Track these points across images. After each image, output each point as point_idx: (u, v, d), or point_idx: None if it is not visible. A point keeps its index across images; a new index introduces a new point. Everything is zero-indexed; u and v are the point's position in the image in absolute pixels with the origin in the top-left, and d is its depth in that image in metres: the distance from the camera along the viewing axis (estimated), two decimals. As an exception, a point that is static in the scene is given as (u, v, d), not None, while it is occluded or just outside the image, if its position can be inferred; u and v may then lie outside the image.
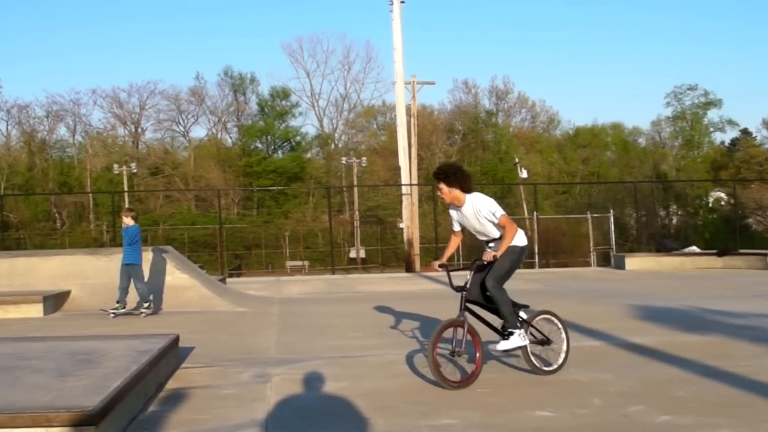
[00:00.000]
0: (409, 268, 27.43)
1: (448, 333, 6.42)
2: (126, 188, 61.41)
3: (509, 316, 6.60)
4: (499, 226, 6.62)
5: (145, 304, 12.42)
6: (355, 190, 59.89)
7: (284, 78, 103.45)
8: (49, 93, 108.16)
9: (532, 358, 6.75)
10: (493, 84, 77.72)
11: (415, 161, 33.59)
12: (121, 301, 12.31)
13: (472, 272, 6.72)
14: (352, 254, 52.72)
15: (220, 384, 6.58)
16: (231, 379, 6.78)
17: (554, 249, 36.26)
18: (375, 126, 77.53)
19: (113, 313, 12.15)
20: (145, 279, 12.76)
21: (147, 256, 13.53)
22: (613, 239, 29.42)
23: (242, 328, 10.64)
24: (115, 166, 63.64)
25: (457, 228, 7.02)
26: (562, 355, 6.94)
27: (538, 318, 6.97)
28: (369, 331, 9.99)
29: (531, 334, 6.80)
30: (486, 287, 6.58)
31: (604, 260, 29.28)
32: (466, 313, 6.51)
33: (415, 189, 30.20)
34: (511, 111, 79.10)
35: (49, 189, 66.27)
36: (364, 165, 62.22)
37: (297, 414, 5.58)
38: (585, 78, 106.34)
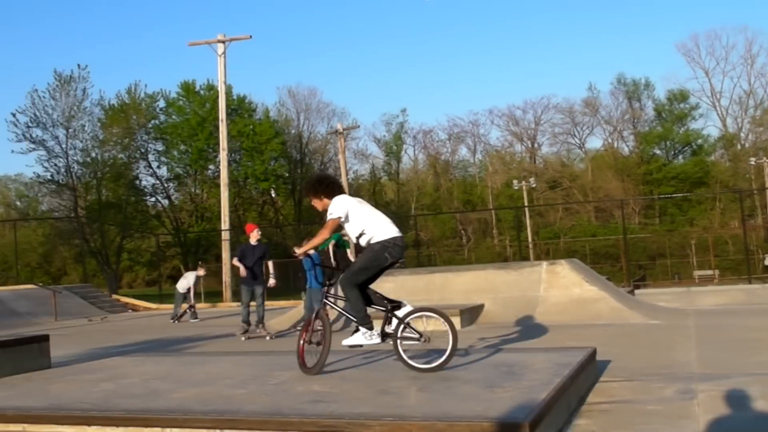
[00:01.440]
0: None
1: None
2: (526, 203, 62.89)
3: (355, 314, 6.80)
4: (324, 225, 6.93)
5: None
6: (768, 192, 55.47)
7: (680, 79, 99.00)
8: (450, 116, 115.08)
9: (402, 355, 6.65)
10: None
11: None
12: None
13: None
14: (767, 262, 48.82)
15: (643, 399, 6.38)
16: (654, 395, 6.55)
17: None
18: (786, 121, 71.33)
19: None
20: None
21: (555, 269, 13.67)
22: None
23: (658, 342, 10.28)
24: (515, 181, 65.52)
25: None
26: (445, 355, 6.51)
27: (413, 316, 6.76)
28: (801, 345, 9.13)
29: (406, 332, 6.65)
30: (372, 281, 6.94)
31: None
32: (326, 306, 7.02)
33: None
34: None
35: (454, 207, 70.05)
36: (775, 165, 57.42)
37: (731, 434, 5.23)
38: None
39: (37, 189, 64.34)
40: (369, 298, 6.96)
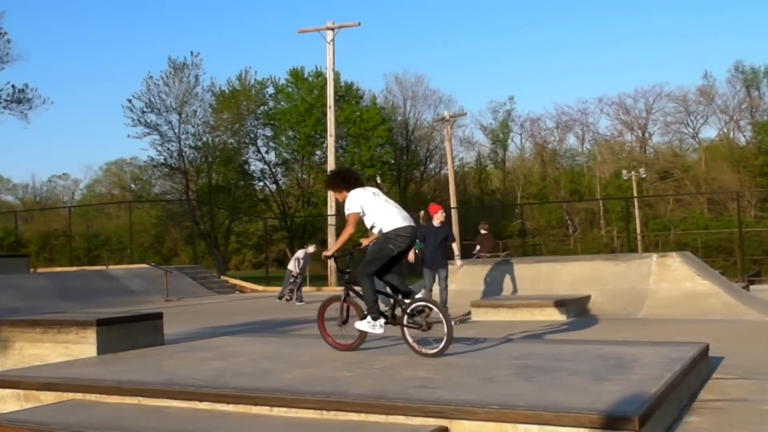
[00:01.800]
0: None
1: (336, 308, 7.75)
2: (635, 193, 61.45)
3: (367, 303, 7.32)
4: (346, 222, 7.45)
5: None
6: None
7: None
8: (558, 105, 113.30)
9: (410, 341, 7.12)
10: None
11: None
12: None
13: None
14: None
15: (759, 398, 6.15)
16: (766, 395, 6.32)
17: None
18: None
19: None
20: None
21: (666, 262, 13.33)
22: None
23: (774, 340, 9.92)
24: (624, 171, 64.06)
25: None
26: (443, 341, 6.87)
27: (413, 306, 7.16)
28: None
29: (408, 321, 7.13)
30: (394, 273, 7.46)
31: None
32: (347, 290, 7.69)
33: None
34: None
35: (560, 197, 69.03)
36: None
37: None
38: None
39: (150, 172, 66.31)
40: (392, 286, 7.51)
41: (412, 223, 7.39)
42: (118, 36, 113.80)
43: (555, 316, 12.74)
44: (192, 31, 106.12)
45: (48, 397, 6.18)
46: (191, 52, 62.48)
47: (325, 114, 39.60)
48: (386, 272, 7.45)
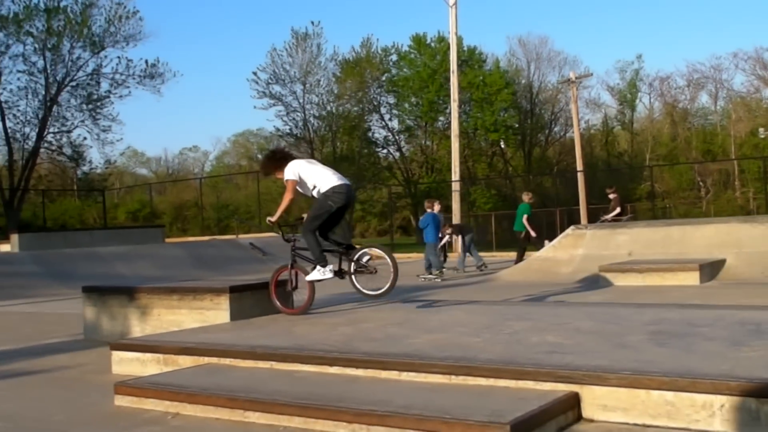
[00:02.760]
0: None
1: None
2: (772, 152, 58.70)
3: (314, 254, 8.03)
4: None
5: (435, 272, 16.97)
6: None
7: None
8: (689, 62, 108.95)
9: (357, 285, 7.95)
10: None
11: None
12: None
13: None
14: None
15: None
16: None
17: None
18: None
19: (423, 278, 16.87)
20: None
21: None
22: None
23: None
24: (761, 129, 61.25)
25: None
26: (389, 281, 7.65)
27: (361, 252, 7.98)
28: None
29: (356, 268, 7.86)
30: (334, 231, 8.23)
31: None
32: (294, 256, 8.32)
33: None
34: None
35: (692, 158, 66.67)
36: None
37: None
38: None
39: (276, 142, 67.75)
40: (336, 242, 8.23)
41: (348, 182, 8.09)
42: (241, 11, 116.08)
43: (687, 280, 12.37)
44: (313, 1, 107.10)
45: (186, 361, 6.44)
46: (312, 22, 63.15)
47: (447, 79, 39.37)
48: (329, 229, 8.16)
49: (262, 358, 6.05)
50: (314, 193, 8.08)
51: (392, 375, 5.33)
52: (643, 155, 69.99)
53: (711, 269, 12.96)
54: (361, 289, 7.95)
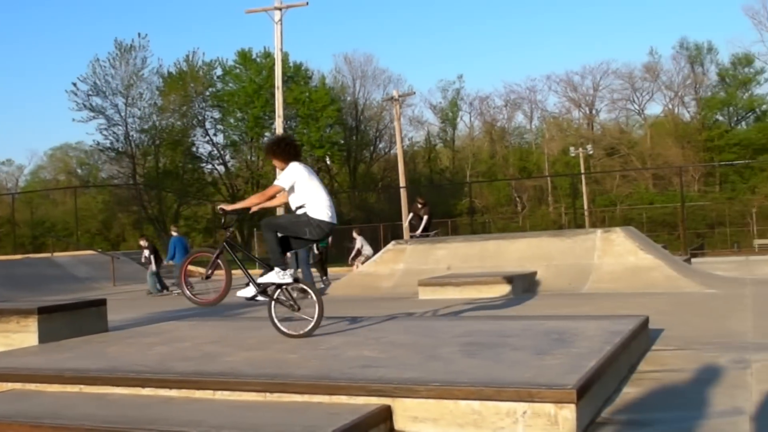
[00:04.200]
0: None
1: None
2: (583, 170, 62.16)
3: (271, 253, 7.21)
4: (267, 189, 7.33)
5: None
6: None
7: (746, 43, 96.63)
8: (506, 83, 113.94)
9: (273, 317, 7.21)
10: None
11: None
12: None
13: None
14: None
15: (695, 368, 6.31)
16: (706, 364, 6.47)
17: None
18: None
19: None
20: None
21: (610, 237, 13.54)
22: None
23: (713, 311, 10.15)
24: (572, 148, 64.77)
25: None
26: (312, 323, 7.04)
27: (293, 285, 7.28)
28: None
29: (281, 297, 7.24)
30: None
31: None
32: (224, 247, 7.49)
33: None
34: None
35: (509, 174, 69.59)
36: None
37: (785, 404, 5.15)
38: None
39: (96, 156, 65.46)
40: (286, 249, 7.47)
41: (335, 220, 7.33)
42: (62, 17, 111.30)
43: (501, 292, 12.87)
44: (138, 12, 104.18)
45: (-12, 388, 6.09)
46: (138, 34, 61.69)
47: (273, 95, 39.31)
48: (286, 246, 7.43)
49: (70, 381, 5.80)
50: (298, 209, 7.28)
51: (207, 394, 5.25)
52: (464, 172, 72.41)
53: (523, 281, 13.54)
54: (277, 322, 7.26)
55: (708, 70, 73.60)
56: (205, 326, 8.66)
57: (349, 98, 71.85)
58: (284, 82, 37.70)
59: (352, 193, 63.35)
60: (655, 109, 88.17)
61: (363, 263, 21.90)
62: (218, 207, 7.71)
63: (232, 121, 65.95)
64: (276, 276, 7.24)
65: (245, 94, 63.49)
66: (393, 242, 16.91)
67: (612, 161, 69.05)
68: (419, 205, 21.83)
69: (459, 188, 65.26)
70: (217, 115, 66.35)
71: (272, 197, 7.38)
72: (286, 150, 7.45)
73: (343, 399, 4.84)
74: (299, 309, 7.22)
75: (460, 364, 5.45)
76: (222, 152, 67.16)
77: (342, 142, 67.76)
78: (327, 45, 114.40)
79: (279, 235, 7.30)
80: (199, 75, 63.64)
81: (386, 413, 4.68)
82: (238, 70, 66.37)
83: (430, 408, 4.65)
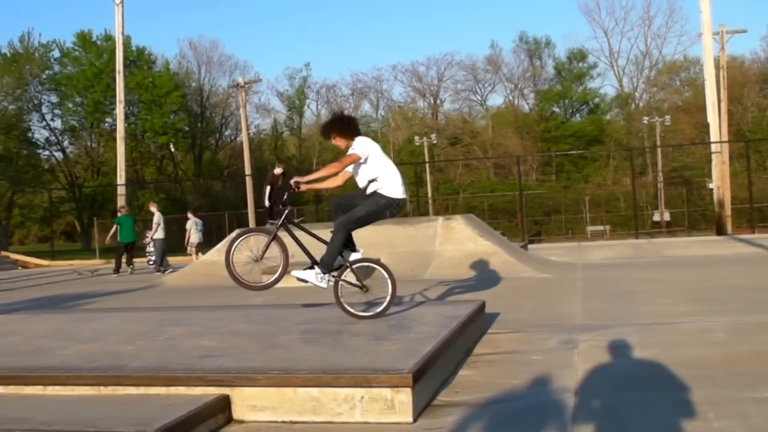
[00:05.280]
0: (721, 231, 25.90)
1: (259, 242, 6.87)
2: (427, 159, 63.39)
3: (327, 257, 6.81)
4: (343, 158, 6.75)
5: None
6: (659, 150, 57.41)
7: (581, 39, 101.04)
8: (353, 72, 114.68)
9: (340, 298, 6.81)
10: (813, 26, 70.46)
11: (725, 117, 31.59)
12: None
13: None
14: (656, 217, 50.63)
15: (528, 350, 6.60)
16: (537, 345, 6.77)
17: None
18: (678, 82, 73.49)
19: None
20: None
21: (450, 224, 13.88)
22: None
23: (546, 294, 10.61)
24: (416, 137, 65.91)
25: (349, 169, 6.98)
26: (385, 302, 6.79)
27: (358, 264, 6.94)
28: (679, 297, 9.56)
29: (348, 279, 6.83)
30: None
31: None
32: (282, 230, 6.92)
33: (726, 147, 28.50)
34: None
35: (357, 163, 70.03)
36: (667, 124, 59.31)
37: (607, 381, 5.45)
38: None
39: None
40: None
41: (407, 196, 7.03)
42: None
43: (345, 280, 12.95)
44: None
45: None
46: (-34, 12, 58.33)
47: (114, 80, 38.01)
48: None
49: None
50: (367, 186, 6.92)
51: (37, 390, 5.04)
52: (311, 159, 72.40)
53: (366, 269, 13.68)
54: (344, 304, 6.88)
55: (546, 64, 76.65)
56: (35, 320, 8.30)
57: (194, 84, 70.42)
58: (126, 66, 36.61)
59: (196, 180, 62.19)
60: (496, 100, 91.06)
61: (194, 248, 22.03)
62: (293, 181, 7.00)
63: (70, 105, 63.33)
64: (315, 277, 6.89)
65: (85, 78, 61.08)
66: (236, 231, 16.67)
67: (455, 150, 70.77)
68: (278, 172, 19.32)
69: (304, 176, 65.14)
70: (54, 99, 63.61)
71: (347, 165, 6.89)
72: (351, 125, 7.17)
73: (181, 390, 4.77)
74: (368, 290, 6.92)
75: (300, 352, 5.48)
76: (60, 138, 64.49)
77: (187, 129, 66.32)
78: (171, 30, 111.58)
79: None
80: (34, 57, 60.81)
81: (224, 403, 4.65)
82: (77, 53, 63.77)
83: (270, 396, 4.66)
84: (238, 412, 4.70)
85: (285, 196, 7.27)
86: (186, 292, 13.04)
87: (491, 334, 7.41)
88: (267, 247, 6.98)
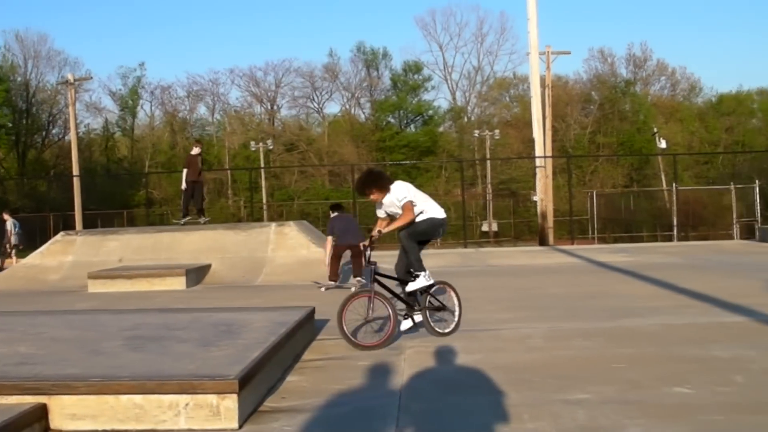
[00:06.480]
0: (543, 242, 27.13)
1: (361, 304, 7.16)
2: (262, 164, 63.01)
3: (415, 262, 7.60)
4: (404, 209, 7.50)
5: None
6: (488, 163, 59.51)
7: (417, 52, 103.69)
8: (189, 74, 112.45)
9: (431, 321, 7.55)
10: (630, 52, 74.53)
11: (549, 133, 33.11)
12: None
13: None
14: (485, 228, 52.40)
15: (355, 355, 6.70)
16: (365, 352, 6.89)
17: (694, 222, 34.97)
18: (508, 98, 76.46)
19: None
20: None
21: (283, 230, 13.88)
22: (759, 211, 28.17)
23: (376, 301, 10.77)
24: (252, 143, 65.34)
25: (381, 215, 7.82)
26: (455, 320, 7.82)
27: (435, 287, 7.76)
28: (503, 304, 9.95)
29: (429, 301, 7.63)
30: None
31: (748, 233, 28.00)
32: (375, 284, 7.35)
33: (549, 161, 29.84)
34: (650, 79, 75.73)
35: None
36: (497, 138, 61.60)
37: (431, 385, 5.62)
38: (729, 41, 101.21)
39: None
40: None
41: None
42: None
43: (174, 285, 12.75)
44: None
45: None
46: None
47: (-73, 70, 35.69)
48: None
49: None
50: (419, 216, 7.64)
51: None
52: (143, 162, 70.39)
53: (197, 274, 13.50)
54: (433, 325, 7.60)
55: (382, 75, 77.78)
56: None
57: (19, 79, 66.97)
58: (-59, 56, 34.30)
59: (20, 180, 59.16)
60: (333, 108, 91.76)
61: (9, 250, 21.32)
62: (374, 232, 7.63)
63: None
64: (423, 279, 7.58)
65: None
66: (62, 233, 16.07)
67: (291, 157, 70.64)
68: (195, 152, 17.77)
69: (137, 179, 63.37)
70: None
71: (413, 209, 7.57)
72: (385, 178, 7.78)
73: (-7, 399, 4.56)
74: (445, 308, 7.79)
75: (123, 359, 5.35)
76: None
77: (10, 125, 62.98)
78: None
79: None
80: None
81: (41, 412, 4.49)
82: None
83: (90, 404, 4.53)
84: (56, 422, 4.54)
85: (368, 253, 7.59)
86: (4, 297, 12.42)
87: (320, 340, 7.48)
88: (371, 308, 7.22)
